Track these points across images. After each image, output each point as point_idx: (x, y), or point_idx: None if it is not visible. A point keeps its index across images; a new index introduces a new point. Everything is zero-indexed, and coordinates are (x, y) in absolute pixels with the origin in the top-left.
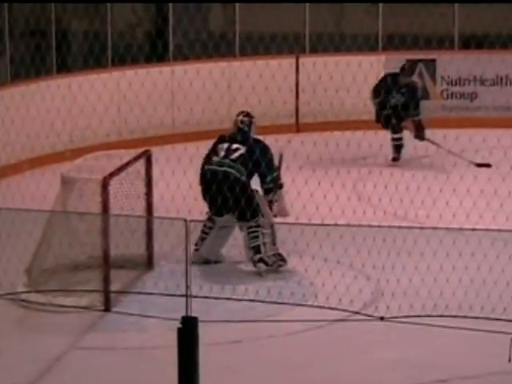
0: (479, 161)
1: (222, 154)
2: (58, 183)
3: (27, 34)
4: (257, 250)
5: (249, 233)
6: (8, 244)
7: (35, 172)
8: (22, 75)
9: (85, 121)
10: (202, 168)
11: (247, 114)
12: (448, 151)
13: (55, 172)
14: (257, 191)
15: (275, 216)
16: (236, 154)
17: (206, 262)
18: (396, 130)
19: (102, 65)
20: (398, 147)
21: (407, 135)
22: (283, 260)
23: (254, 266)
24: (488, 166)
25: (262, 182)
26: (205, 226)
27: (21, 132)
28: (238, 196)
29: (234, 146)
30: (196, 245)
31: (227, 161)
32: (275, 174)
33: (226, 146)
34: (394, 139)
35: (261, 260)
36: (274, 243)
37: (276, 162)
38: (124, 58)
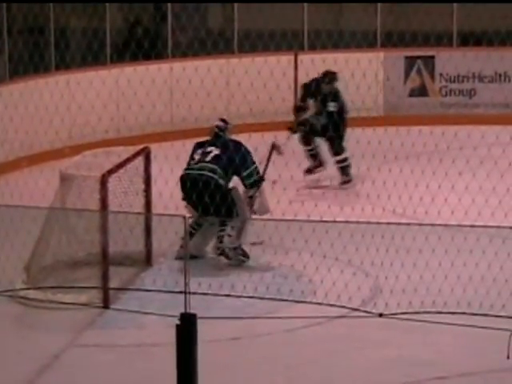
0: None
1: (197, 157)
2: (57, 180)
3: (26, 31)
4: (220, 240)
5: (219, 224)
6: (6, 241)
7: (34, 169)
8: (20, 72)
9: (83, 118)
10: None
11: (223, 120)
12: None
13: (54, 169)
14: (235, 188)
15: (255, 213)
16: (210, 156)
17: (191, 257)
18: (339, 150)
19: (101, 62)
20: (345, 168)
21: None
22: (245, 255)
23: (217, 255)
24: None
25: (241, 179)
26: (194, 222)
27: (19, 129)
28: (212, 196)
29: (209, 148)
30: (183, 239)
31: (201, 163)
32: (252, 169)
33: (200, 150)
34: (338, 161)
35: (222, 252)
36: (238, 237)
37: (266, 153)
38: (122, 55)
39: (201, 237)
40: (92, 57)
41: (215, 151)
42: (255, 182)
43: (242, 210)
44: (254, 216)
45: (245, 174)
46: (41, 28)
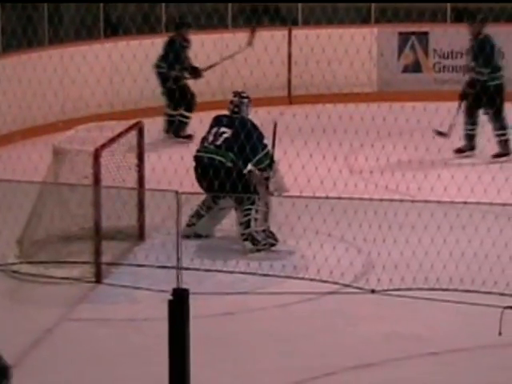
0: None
1: (210, 139)
2: (50, 154)
3: (19, 5)
4: (247, 224)
5: (242, 210)
6: None
7: (27, 143)
8: (13, 46)
9: (77, 92)
10: (196, 153)
11: (237, 94)
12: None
13: (47, 143)
14: (251, 171)
15: (272, 194)
16: (221, 139)
17: (197, 235)
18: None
19: (94, 36)
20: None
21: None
22: (274, 238)
23: (243, 241)
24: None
25: (252, 163)
26: (203, 203)
27: (12, 103)
28: (226, 182)
29: (222, 129)
30: (190, 219)
31: (212, 147)
32: (265, 152)
33: (215, 130)
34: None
35: (249, 237)
36: (265, 219)
37: (270, 134)
38: (116, 29)
39: (210, 218)
40: (85, 31)
41: (227, 133)
42: (267, 164)
43: (262, 193)
44: (271, 197)
45: (256, 158)
46: (34, 2)
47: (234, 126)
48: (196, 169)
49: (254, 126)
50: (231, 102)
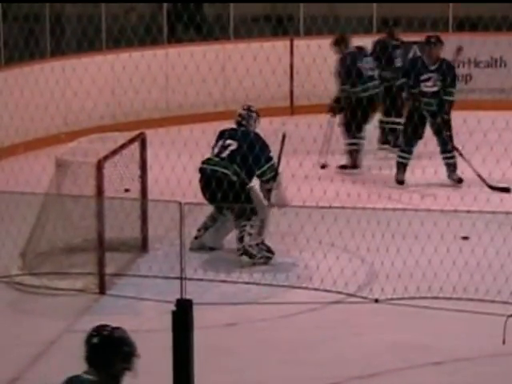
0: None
1: (216, 151)
2: (53, 166)
3: (21, 17)
4: (240, 239)
5: (239, 225)
6: (2, 227)
7: (29, 155)
8: (15, 58)
9: (79, 104)
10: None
11: (246, 108)
12: None
13: (49, 155)
14: (252, 186)
15: (273, 206)
16: (227, 152)
17: (207, 248)
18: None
19: (96, 48)
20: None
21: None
22: (270, 251)
23: (239, 256)
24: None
25: (256, 176)
26: (212, 216)
27: (14, 115)
28: (228, 194)
29: (228, 142)
30: (198, 232)
31: (217, 159)
32: (269, 165)
33: (221, 142)
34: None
35: (244, 251)
36: (260, 233)
37: (277, 145)
38: (118, 40)
39: (216, 230)
40: (87, 43)
41: (233, 146)
42: (271, 177)
43: (262, 207)
44: (272, 209)
45: (259, 171)
46: (36, 14)
47: (239, 138)
48: (200, 180)
49: (261, 140)
50: (239, 114)
